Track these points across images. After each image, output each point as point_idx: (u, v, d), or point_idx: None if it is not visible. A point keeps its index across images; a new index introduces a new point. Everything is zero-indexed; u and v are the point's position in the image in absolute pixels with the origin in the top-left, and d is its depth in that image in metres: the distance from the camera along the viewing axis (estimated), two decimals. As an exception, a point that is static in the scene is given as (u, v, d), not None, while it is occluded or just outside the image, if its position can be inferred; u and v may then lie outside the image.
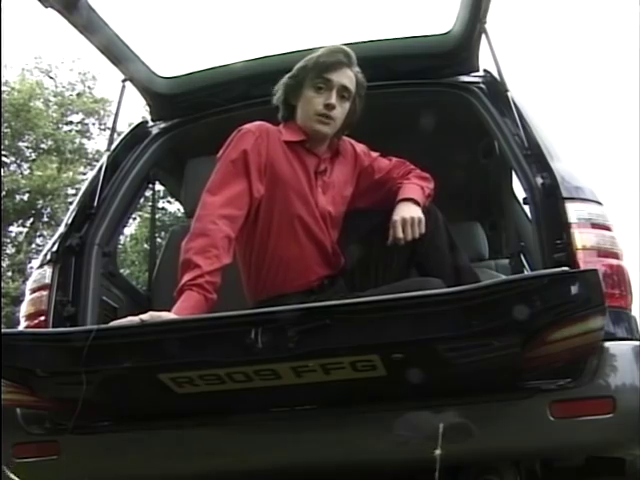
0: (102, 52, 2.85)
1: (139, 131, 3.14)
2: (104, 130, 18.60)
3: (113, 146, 3.03)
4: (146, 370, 1.92)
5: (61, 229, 2.76)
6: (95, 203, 2.80)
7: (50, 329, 2.44)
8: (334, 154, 2.56)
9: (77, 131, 19.20)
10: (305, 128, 2.48)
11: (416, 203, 2.44)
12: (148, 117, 3.28)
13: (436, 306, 1.79)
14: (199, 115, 3.16)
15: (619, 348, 2.13)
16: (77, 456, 2.27)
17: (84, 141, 19.27)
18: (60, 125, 18.88)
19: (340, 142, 2.58)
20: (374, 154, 2.66)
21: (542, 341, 1.84)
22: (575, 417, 2.04)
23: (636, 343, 2.19)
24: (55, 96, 19.08)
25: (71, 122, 19.28)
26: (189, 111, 3.17)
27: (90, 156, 18.92)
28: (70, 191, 17.65)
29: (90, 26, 2.71)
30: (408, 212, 2.39)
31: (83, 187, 3.00)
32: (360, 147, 2.65)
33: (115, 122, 3.21)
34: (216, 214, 2.24)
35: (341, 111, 2.47)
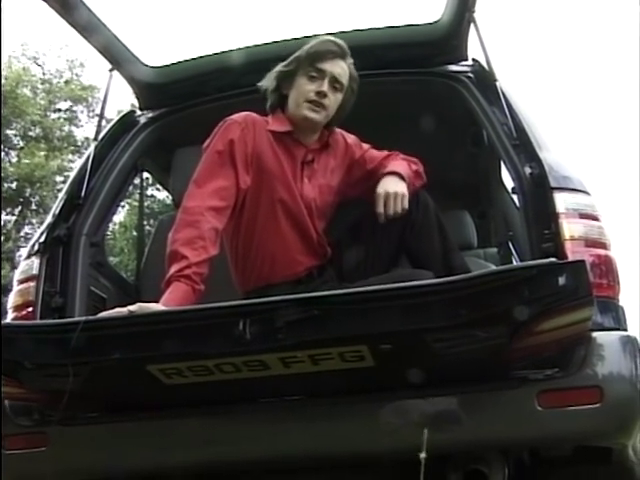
0: (89, 41, 2.83)
1: (127, 120, 3.12)
2: (92, 117, 18.47)
3: (101, 136, 3.01)
4: (134, 362, 1.92)
5: (49, 219, 2.75)
6: (83, 193, 2.79)
7: (38, 321, 2.43)
8: (323, 145, 2.55)
9: (65, 118, 19.06)
10: (295, 116, 2.47)
11: (401, 177, 2.43)
12: (137, 105, 3.26)
13: (424, 297, 1.80)
14: (187, 104, 3.15)
15: (607, 338, 2.14)
16: (65, 447, 2.26)
17: (72, 128, 19.13)
18: (48, 112, 18.74)
19: (331, 134, 2.57)
20: (365, 146, 2.65)
21: (530, 332, 1.85)
22: (562, 407, 2.05)
23: (623, 333, 2.20)
24: (42, 83, 18.94)
25: (59, 109, 19.14)
26: (177, 100, 3.16)
27: (79, 144, 18.79)
28: (58, 179, 17.54)
29: (77, 16, 2.69)
30: (392, 186, 2.38)
31: (71, 177, 2.98)
32: (351, 138, 2.64)
33: (102, 111, 3.19)
34: (203, 205, 2.24)
35: (333, 100, 2.47)
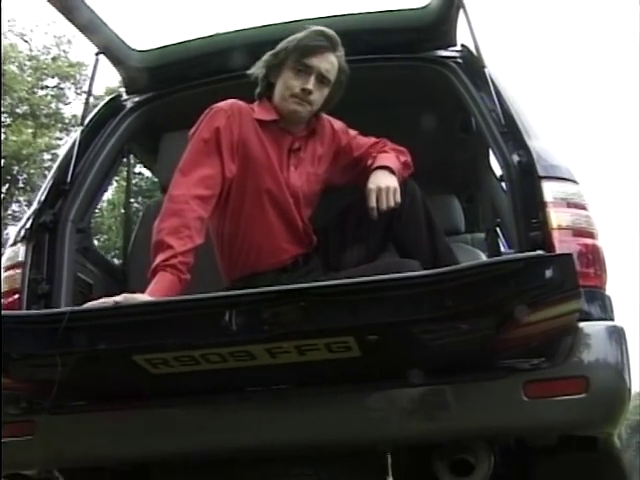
0: (75, 25, 2.79)
1: (113, 105, 3.09)
2: (80, 95, 18.40)
3: (87, 120, 2.98)
4: (120, 352, 1.91)
5: (34, 206, 2.73)
6: (69, 179, 2.76)
7: (23, 312, 2.41)
8: (310, 133, 2.54)
9: (53, 95, 18.97)
10: (280, 108, 2.45)
11: (391, 171, 2.42)
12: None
13: (412, 289, 1.79)
14: (174, 89, 3.12)
15: (593, 328, 2.14)
16: (53, 435, 2.26)
17: (60, 106, 19.05)
18: (35, 89, 18.63)
19: (318, 121, 2.55)
20: (352, 132, 2.64)
21: (517, 324, 1.85)
22: (549, 397, 2.05)
23: (610, 323, 2.20)
24: (30, 60, 18.80)
25: (46, 86, 19.04)
26: (164, 85, 3.12)
27: (66, 121, 18.71)
28: (46, 156, 17.50)
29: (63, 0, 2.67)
30: (383, 181, 2.37)
31: (57, 162, 2.95)
32: (338, 125, 2.62)
33: (89, 96, 3.16)
34: (188, 194, 2.23)
35: (319, 96, 2.45)
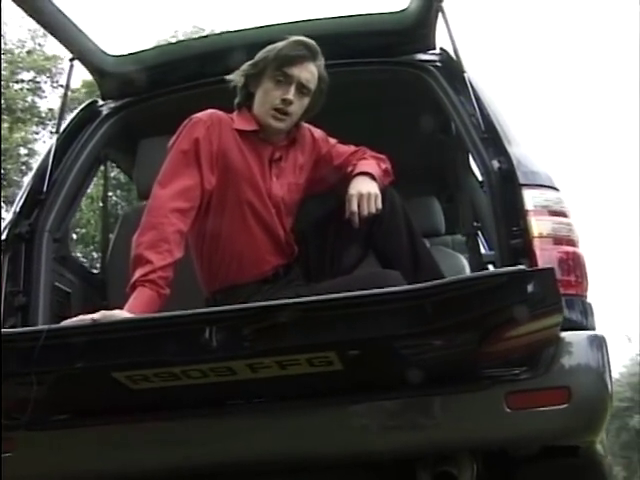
0: (49, 31, 2.77)
1: (89, 111, 3.05)
2: (56, 88, 18.17)
3: (62, 127, 2.95)
4: (99, 370, 1.90)
5: (10, 216, 2.69)
6: (45, 188, 2.73)
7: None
8: (291, 142, 2.51)
9: (28, 89, 18.72)
10: (260, 119, 2.43)
11: (372, 177, 2.41)
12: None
13: (394, 304, 1.79)
14: (151, 94, 3.08)
15: (575, 338, 2.14)
16: (33, 452, 2.23)
17: (36, 99, 18.82)
18: (10, 83, 18.40)
19: (298, 130, 2.52)
20: (332, 141, 2.62)
21: (499, 338, 1.85)
22: (531, 408, 2.05)
23: (591, 332, 2.20)
24: (4, 54, 18.56)
25: (22, 80, 18.78)
26: (140, 90, 3.08)
27: (42, 115, 18.50)
28: (22, 151, 17.30)
29: (35, 6, 2.63)
30: (365, 187, 2.36)
31: (32, 171, 2.92)
32: (318, 133, 2.60)
33: (64, 103, 3.13)
34: (167, 207, 2.21)
35: (299, 106, 2.42)
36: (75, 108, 3.11)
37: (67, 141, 2.91)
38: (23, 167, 17.33)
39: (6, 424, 2.26)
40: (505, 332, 1.84)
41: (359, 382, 2.08)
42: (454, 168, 3.26)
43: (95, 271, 3.35)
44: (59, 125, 2.97)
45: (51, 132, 16.76)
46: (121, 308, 2.06)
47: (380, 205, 2.34)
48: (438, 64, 2.86)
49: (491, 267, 2.72)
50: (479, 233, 2.97)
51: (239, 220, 2.36)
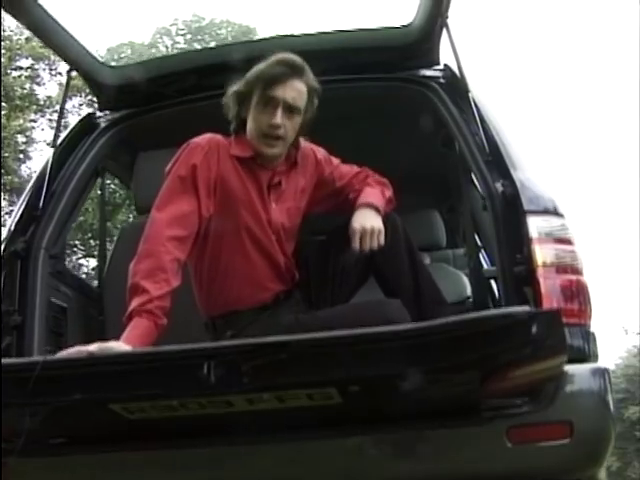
0: (46, 43, 2.72)
1: (86, 124, 3.02)
2: (55, 75, 18.10)
3: (60, 140, 2.91)
4: (95, 401, 1.87)
5: (5, 233, 2.65)
6: (41, 204, 2.70)
7: None
8: (291, 165, 2.45)
9: (27, 76, 18.63)
10: (253, 146, 2.36)
11: (376, 210, 2.36)
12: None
13: (395, 342, 1.75)
14: (149, 107, 3.04)
15: (578, 371, 2.12)
16: (27, 478, 2.22)
17: (34, 87, 18.73)
18: (8, 70, 18.30)
19: (299, 150, 2.46)
20: (335, 161, 2.56)
21: (502, 378, 1.82)
22: (533, 442, 2.03)
23: (594, 365, 2.18)
24: (2, 40, 18.46)
25: (20, 67, 18.69)
26: (138, 102, 3.05)
27: (41, 102, 18.41)
28: (20, 139, 17.23)
29: (32, 17, 2.59)
30: (368, 221, 2.31)
31: (29, 185, 2.87)
32: (321, 153, 2.54)
33: (61, 116, 3.08)
34: (164, 235, 2.17)
35: (290, 127, 2.33)
36: (74, 96, 3.07)
37: (64, 154, 2.88)
38: (21, 155, 17.28)
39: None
40: (508, 372, 1.81)
41: (359, 415, 2.06)
42: (456, 179, 3.22)
43: (91, 283, 3.32)
44: (56, 138, 2.93)
45: (50, 124, 16.74)
46: (117, 325, 2.05)
47: (383, 241, 2.29)
48: (441, 81, 2.83)
49: (492, 283, 2.70)
50: (480, 247, 2.94)
51: (238, 246, 2.32)
